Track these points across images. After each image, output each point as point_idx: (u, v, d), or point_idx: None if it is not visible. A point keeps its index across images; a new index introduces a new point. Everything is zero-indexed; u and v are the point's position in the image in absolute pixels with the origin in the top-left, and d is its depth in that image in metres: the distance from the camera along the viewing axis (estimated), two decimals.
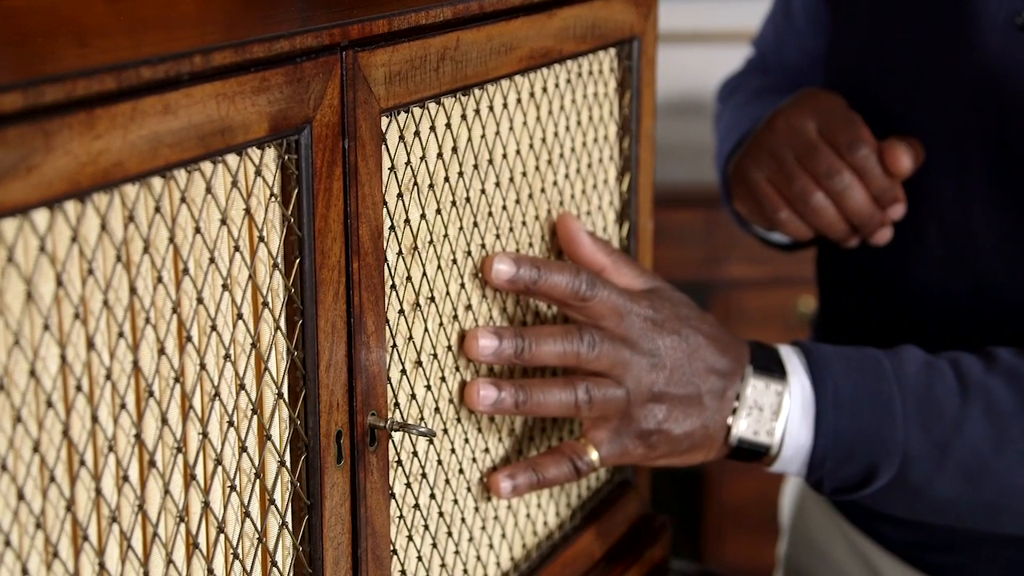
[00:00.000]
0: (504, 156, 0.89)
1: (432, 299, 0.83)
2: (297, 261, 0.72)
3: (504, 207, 0.89)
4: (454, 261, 0.85)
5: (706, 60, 2.84)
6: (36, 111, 0.57)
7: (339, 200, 0.74)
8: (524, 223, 0.92)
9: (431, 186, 0.82)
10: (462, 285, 0.86)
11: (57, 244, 0.60)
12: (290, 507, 0.74)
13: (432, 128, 0.81)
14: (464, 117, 0.84)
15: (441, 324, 0.85)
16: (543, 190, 0.93)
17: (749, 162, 1.14)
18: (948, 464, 0.95)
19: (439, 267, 0.84)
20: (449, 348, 0.86)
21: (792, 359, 0.97)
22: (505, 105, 0.88)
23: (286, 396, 0.73)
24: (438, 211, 0.83)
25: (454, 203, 0.84)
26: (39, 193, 0.57)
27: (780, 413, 0.95)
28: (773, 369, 0.96)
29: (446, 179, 0.83)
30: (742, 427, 0.94)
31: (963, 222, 1.08)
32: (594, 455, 0.92)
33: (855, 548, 1.23)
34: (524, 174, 0.91)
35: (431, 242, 0.83)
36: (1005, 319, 1.07)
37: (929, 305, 1.12)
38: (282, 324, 0.72)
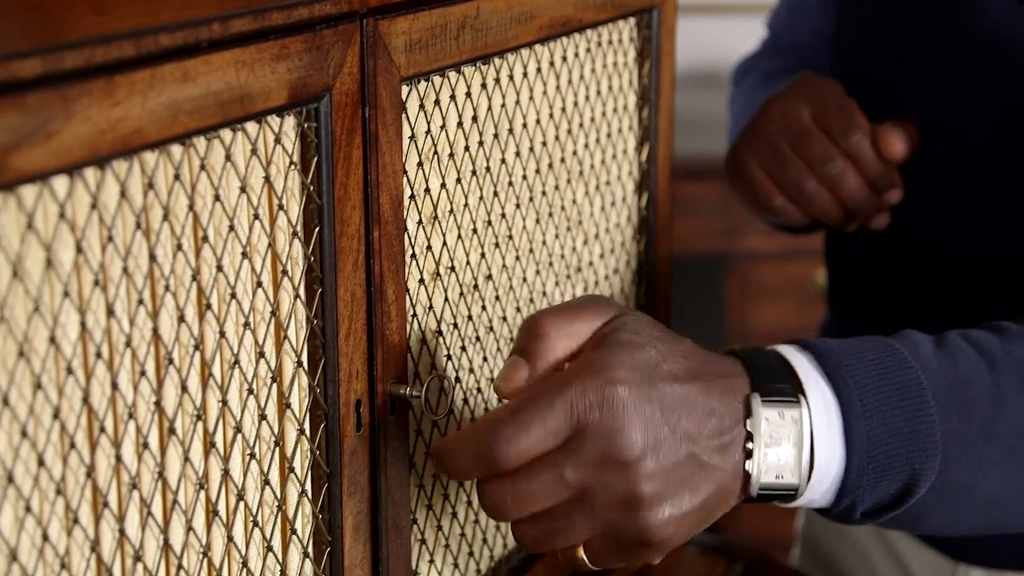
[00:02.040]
0: (524, 126, 0.88)
1: (452, 269, 0.83)
2: (316, 229, 0.72)
3: (524, 176, 0.89)
4: (474, 231, 0.85)
5: (725, 32, 2.83)
6: (55, 77, 0.56)
7: (359, 169, 0.73)
8: (544, 193, 0.91)
9: (451, 155, 0.82)
10: (482, 255, 0.86)
11: (77, 211, 0.60)
12: (309, 475, 0.75)
13: (452, 97, 0.81)
14: (484, 86, 0.84)
15: (461, 294, 0.84)
16: (563, 160, 0.93)
17: (744, 149, 1.13)
18: (994, 453, 0.82)
19: (459, 236, 0.83)
20: (469, 318, 0.86)
21: (801, 362, 0.81)
22: (525, 74, 0.88)
23: (305, 364, 0.73)
24: (458, 180, 0.83)
25: (474, 172, 0.84)
26: (58, 160, 0.57)
27: (802, 443, 0.78)
28: (782, 388, 0.79)
29: (466, 148, 0.83)
30: (761, 472, 0.78)
31: (970, 195, 1.08)
32: (582, 555, 0.78)
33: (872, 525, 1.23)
34: (544, 144, 0.91)
35: (451, 211, 0.82)
36: (1016, 288, 1.06)
37: (939, 276, 1.12)
38: (301, 292, 0.72)
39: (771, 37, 1.39)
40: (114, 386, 0.62)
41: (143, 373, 0.64)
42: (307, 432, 0.74)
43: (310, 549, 0.75)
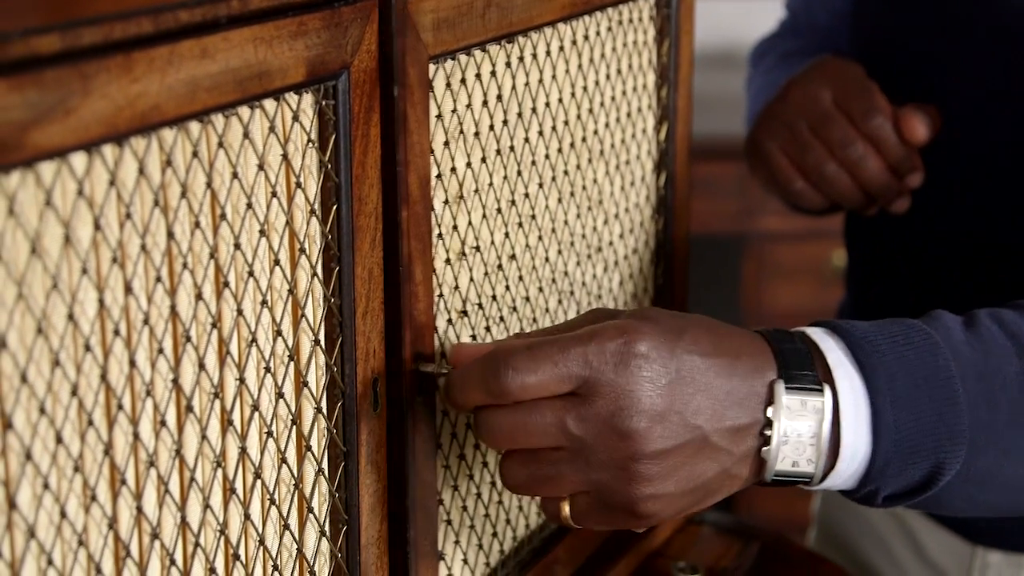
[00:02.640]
0: (547, 105, 0.88)
1: (477, 248, 0.83)
2: (334, 208, 0.72)
3: (546, 156, 0.89)
4: (498, 210, 0.85)
5: (744, 12, 2.82)
6: (74, 54, 0.56)
7: (376, 147, 0.73)
8: (565, 172, 0.91)
9: (476, 134, 0.81)
10: (506, 234, 0.86)
11: (95, 188, 0.59)
12: (326, 454, 0.74)
13: (477, 76, 0.81)
14: (508, 65, 0.83)
15: (486, 274, 0.84)
16: (583, 139, 0.93)
17: (763, 133, 1.13)
18: (1019, 441, 0.80)
19: (484, 216, 0.83)
20: (493, 298, 0.85)
21: (830, 345, 0.79)
22: (548, 53, 0.87)
23: (323, 343, 0.73)
24: (483, 159, 0.82)
25: (498, 151, 0.84)
26: (77, 136, 0.57)
27: (821, 433, 0.77)
28: (807, 375, 0.77)
29: (491, 127, 0.83)
30: (777, 459, 0.77)
31: (992, 176, 1.07)
32: (566, 512, 0.78)
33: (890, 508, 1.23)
34: (566, 123, 0.90)
35: (476, 191, 0.82)
36: None
37: (960, 259, 1.11)
38: (319, 271, 0.72)
39: (789, 17, 1.38)
40: (132, 363, 0.62)
41: (161, 351, 0.64)
42: (324, 410, 0.74)
43: (327, 527, 0.75)
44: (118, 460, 0.62)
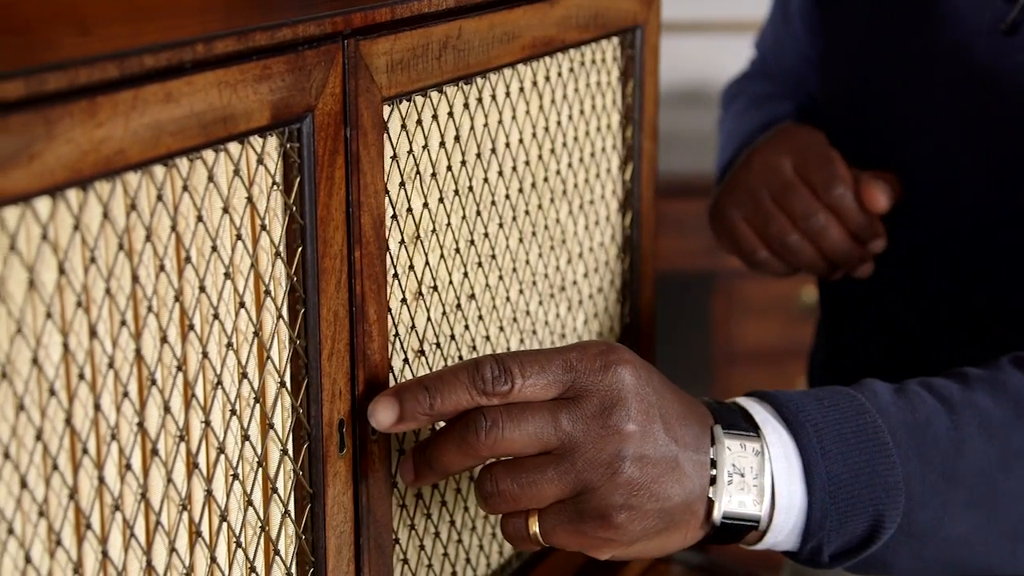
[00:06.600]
0: (507, 145, 0.88)
1: (435, 288, 0.83)
2: (299, 250, 0.72)
3: (507, 196, 0.89)
4: (457, 250, 0.85)
5: (709, 50, 2.84)
6: (38, 99, 0.57)
7: (341, 189, 0.73)
8: (527, 212, 0.92)
9: (433, 175, 0.82)
10: (465, 274, 0.86)
11: (59, 232, 0.60)
12: (292, 496, 0.74)
13: (434, 116, 0.81)
14: (466, 105, 0.84)
15: (444, 313, 0.85)
16: (546, 179, 0.93)
17: (727, 201, 1.14)
18: (956, 496, 0.83)
19: (441, 256, 0.84)
20: (452, 337, 0.86)
21: (756, 408, 0.83)
22: (508, 94, 0.88)
23: (288, 385, 0.73)
24: (440, 200, 0.83)
25: (456, 192, 0.84)
26: (41, 181, 0.57)
27: (763, 476, 0.80)
28: (742, 425, 0.81)
29: (448, 167, 0.83)
30: (725, 499, 0.79)
31: (958, 230, 1.07)
32: (535, 528, 0.78)
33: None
34: (527, 163, 0.91)
35: (433, 231, 0.83)
36: (1006, 325, 1.06)
37: (934, 318, 1.11)
38: (284, 313, 0.72)
39: (759, 59, 1.39)
40: (97, 407, 0.62)
41: (126, 394, 0.64)
42: (290, 452, 0.74)
43: (293, 570, 0.75)
44: (83, 504, 0.62)
